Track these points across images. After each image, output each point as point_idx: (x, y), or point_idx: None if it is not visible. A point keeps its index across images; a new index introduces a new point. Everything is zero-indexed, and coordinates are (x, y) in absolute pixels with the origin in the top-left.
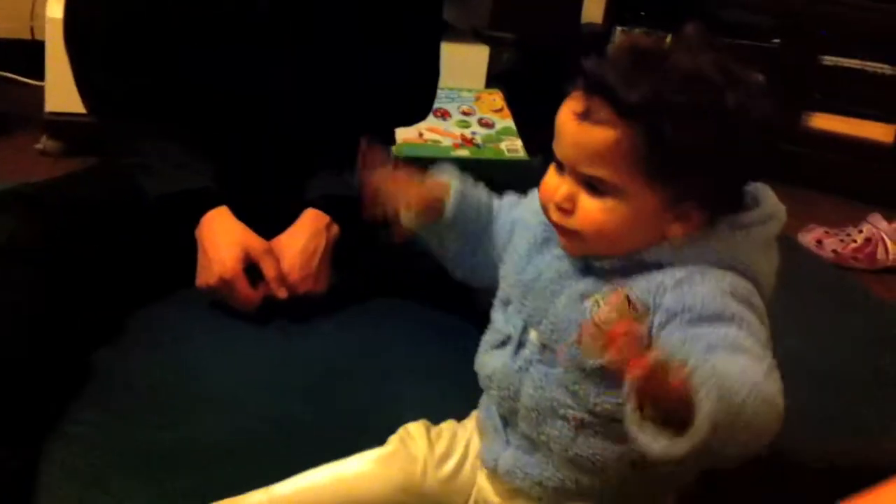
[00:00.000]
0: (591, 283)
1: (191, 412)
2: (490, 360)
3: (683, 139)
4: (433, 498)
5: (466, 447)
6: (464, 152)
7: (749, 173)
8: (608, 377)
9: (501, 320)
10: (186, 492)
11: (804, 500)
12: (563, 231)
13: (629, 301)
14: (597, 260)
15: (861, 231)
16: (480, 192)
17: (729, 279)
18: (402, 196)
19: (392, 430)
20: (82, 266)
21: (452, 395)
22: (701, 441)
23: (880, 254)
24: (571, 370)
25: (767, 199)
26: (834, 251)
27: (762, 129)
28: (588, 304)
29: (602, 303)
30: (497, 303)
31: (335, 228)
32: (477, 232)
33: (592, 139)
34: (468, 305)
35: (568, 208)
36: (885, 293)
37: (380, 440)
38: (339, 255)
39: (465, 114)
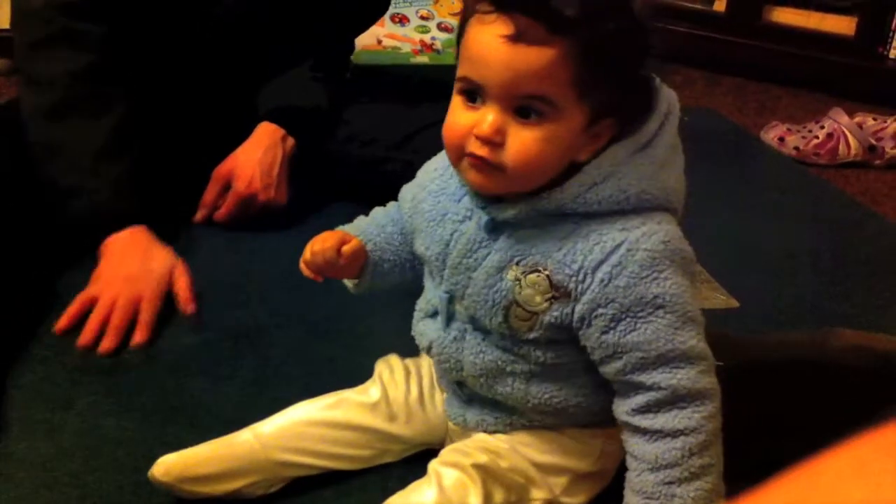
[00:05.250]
0: (503, 249)
1: (153, 329)
2: (426, 330)
3: (613, 47)
4: (417, 437)
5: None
6: (423, 59)
7: (644, 74)
8: (545, 341)
9: (431, 289)
10: (155, 407)
11: (766, 393)
12: (485, 167)
13: (550, 282)
14: (500, 211)
15: (823, 127)
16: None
17: (644, 244)
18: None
19: (358, 342)
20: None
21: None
22: None
23: (842, 149)
24: (507, 337)
25: (660, 98)
26: (796, 148)
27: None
28: (508, 281)
29: (524, 282)
30: (426, 268)
31: (290, 141)
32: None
33: (530, 61)
34: None
35: (498, 141)
36: (845, 188)
37: (344, 348)
38: (296, 168)
39: (423, 18)
